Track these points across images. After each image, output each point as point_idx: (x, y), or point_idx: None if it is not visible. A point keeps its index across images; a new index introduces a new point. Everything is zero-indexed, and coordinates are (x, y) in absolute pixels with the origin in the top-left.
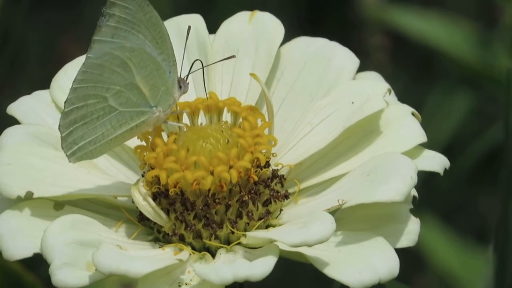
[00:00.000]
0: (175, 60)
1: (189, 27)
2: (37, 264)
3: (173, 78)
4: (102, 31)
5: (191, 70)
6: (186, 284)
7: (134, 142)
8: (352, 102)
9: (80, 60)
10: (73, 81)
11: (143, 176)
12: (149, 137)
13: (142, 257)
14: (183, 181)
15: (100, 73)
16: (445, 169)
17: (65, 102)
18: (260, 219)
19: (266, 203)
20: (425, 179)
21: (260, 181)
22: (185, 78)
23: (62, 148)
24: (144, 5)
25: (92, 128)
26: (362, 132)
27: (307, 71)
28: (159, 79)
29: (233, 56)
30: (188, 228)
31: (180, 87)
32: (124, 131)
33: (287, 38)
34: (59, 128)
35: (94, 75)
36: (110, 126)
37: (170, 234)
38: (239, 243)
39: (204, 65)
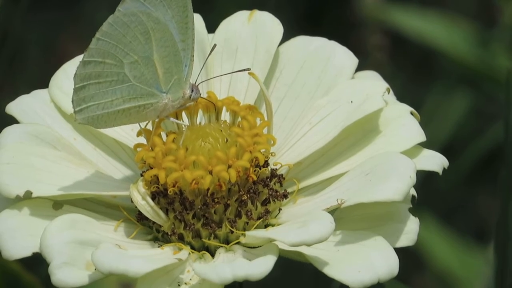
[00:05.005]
0: (193, 56)
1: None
2: (36, 264)
3: (187, 74)
4: None
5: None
6: (186, 284)
7: (133, 141)
8: (351, 101)
9: (79, 59)
10: (98, 31)
11: (142, 175)
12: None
13: (141, 257)
14: (182, 181)
15: (123, 33)
16: (444, 168)
17: (85, 51)
18: (259, 218)
19: (265, 203)
20: (424, 179)
21: (259, 181)
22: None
23: (72, 102)
24: None
25: (104, 91)
26: (361, 131)
27: (306, 70)
28: (175, 66)
29: (248, 69)
30: (187, 228)
31: (192, 90)
32: (131, 106)
33: (286, 37)
34: (74, 77)
35: (118, 33)
36: (121, 96)
37: (169, 233)
38: (238, 243)
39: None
